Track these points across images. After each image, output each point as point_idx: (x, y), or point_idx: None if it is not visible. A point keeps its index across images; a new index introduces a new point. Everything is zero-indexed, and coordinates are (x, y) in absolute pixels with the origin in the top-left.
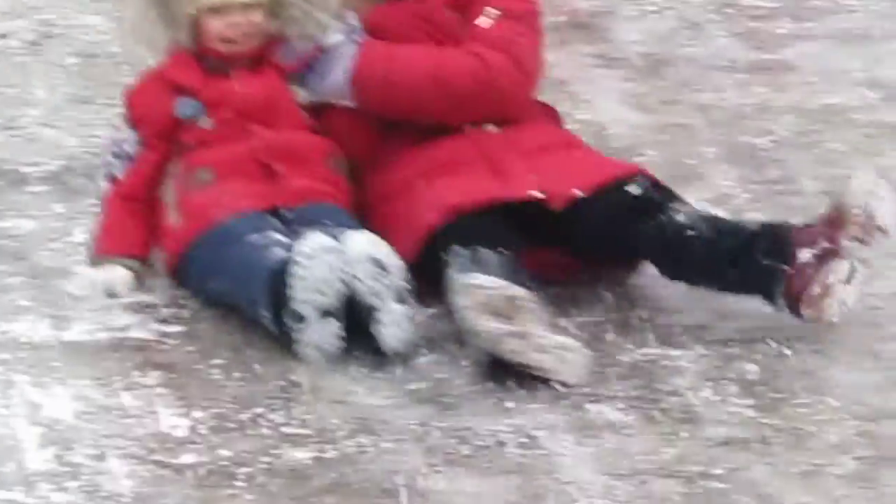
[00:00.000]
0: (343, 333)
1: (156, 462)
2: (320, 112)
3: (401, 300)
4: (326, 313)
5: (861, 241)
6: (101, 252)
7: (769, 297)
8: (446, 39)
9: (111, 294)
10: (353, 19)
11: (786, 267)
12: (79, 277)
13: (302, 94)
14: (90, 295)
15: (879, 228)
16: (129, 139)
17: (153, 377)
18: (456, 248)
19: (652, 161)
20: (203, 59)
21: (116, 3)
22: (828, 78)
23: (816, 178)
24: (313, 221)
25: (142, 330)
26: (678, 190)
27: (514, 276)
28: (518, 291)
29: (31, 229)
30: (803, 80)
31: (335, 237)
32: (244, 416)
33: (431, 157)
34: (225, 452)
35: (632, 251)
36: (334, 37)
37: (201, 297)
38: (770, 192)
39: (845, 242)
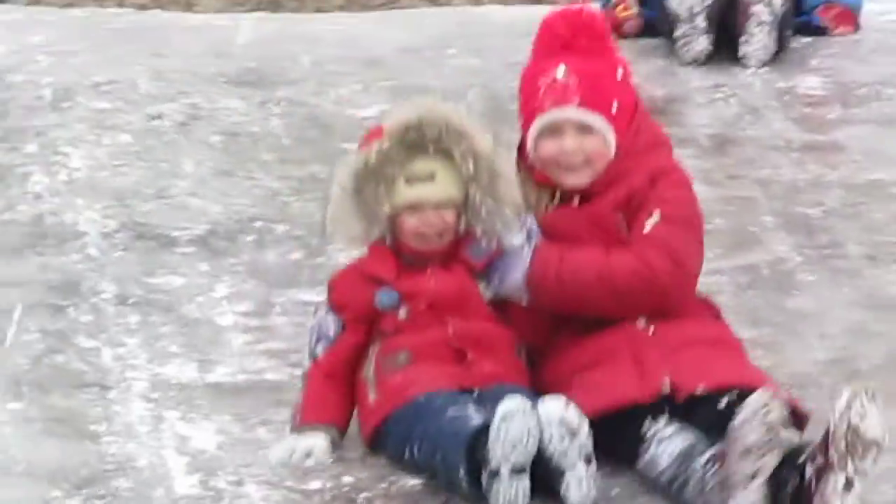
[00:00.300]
0: (529, 489)
1: (287, 488)
2: (501, 303)
3: (587, 460)
4: (520, 470)
5: (853, 455)
6: (303, 423)
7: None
8: (613, 239)
9: (310, 460)
10: (532, 222)
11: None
12: (280, 445)
13: (484, 290)
14: (290, 461)
15: (870, 442)
16: (330, 323)
17: (285, 414)
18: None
19: (717, 228)
20: (399, 253)
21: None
22: (872, 157)
23: (861, 244)
24: (501, 399)
25: (275, 373)
26: (742, 254)
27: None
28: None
29: (180, 285)
30: (851, 159)
31: (531, 401)
32: (364, 448)
33: (587, 350)
34: (348, 479)
35: None
36: (516, 239)
37: (399, 466)
38: (821, 257)
39: (837, 458)
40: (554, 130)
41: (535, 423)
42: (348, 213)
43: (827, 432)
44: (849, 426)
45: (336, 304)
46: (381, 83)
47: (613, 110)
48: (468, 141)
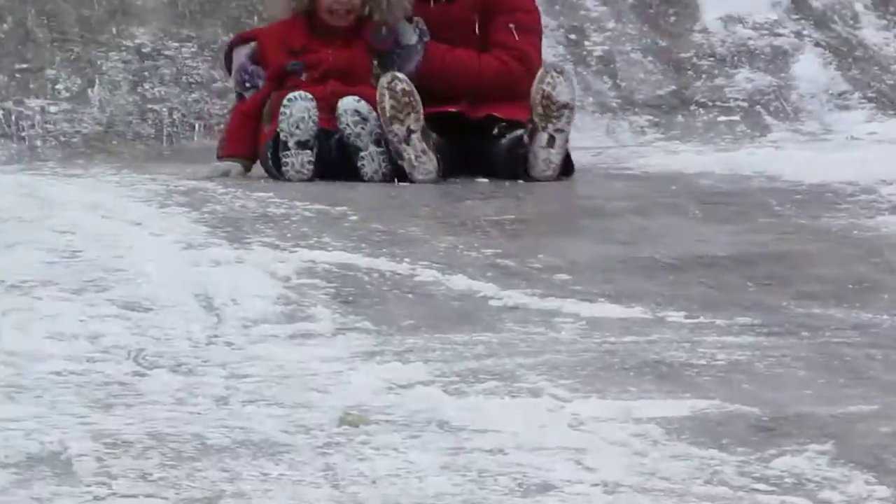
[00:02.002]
0: (313, 162)
1: None
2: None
3: (377, 143)
4: (303, 144)
5: (549, 116)
6: (224, 154)
7: (524, 167)
8: (468, 33)
9: (226, 175)
10: (423, 25)
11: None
12: (208, 166)
13: (377, 68)
14: (214, 176)
15: (562, 105)
16: (260, 74)
17: None
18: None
19: None
20: (313, 24)
21: None
22: None
23: None
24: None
25: None
26: None
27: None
28: (418, 101)
29: None
30: None
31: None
32: None
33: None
34: None
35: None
36: (411, 38)
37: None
38: None
39: (538, 120)
40: None
41: (314, 106)
42: None
43: (530, 105)
44: (543, 94)
45: (261, 58)
46: None
47: None
48: None
